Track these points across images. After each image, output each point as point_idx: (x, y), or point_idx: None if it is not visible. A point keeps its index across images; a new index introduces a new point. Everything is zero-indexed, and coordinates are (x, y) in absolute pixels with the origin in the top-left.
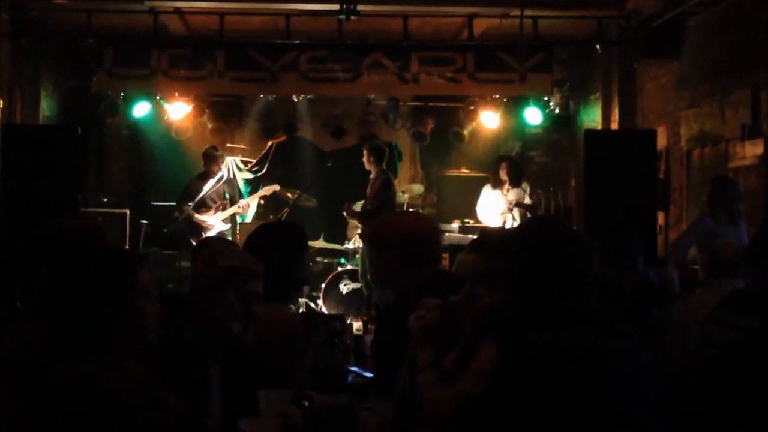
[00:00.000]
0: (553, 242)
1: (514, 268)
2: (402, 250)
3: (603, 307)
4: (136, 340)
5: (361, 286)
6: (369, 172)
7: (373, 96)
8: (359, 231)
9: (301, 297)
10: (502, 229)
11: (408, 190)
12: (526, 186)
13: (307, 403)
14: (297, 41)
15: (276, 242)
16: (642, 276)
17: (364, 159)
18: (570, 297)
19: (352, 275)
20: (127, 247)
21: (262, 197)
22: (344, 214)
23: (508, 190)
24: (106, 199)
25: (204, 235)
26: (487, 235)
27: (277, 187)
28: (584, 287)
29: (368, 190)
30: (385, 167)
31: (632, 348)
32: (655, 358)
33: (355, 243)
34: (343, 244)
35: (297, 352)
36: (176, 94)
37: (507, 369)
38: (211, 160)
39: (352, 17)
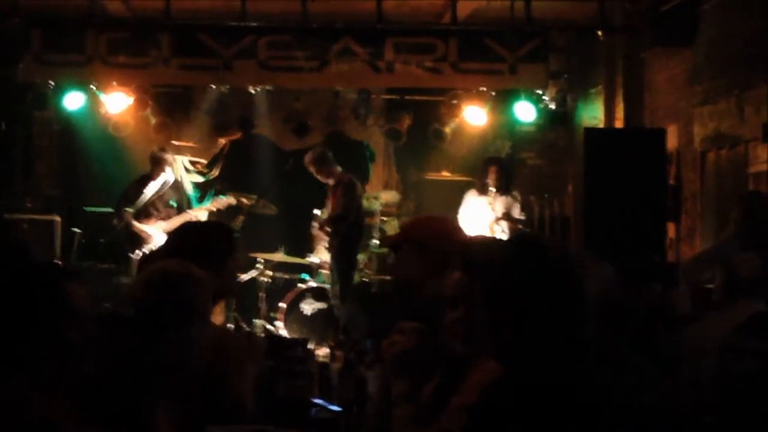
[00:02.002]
0: (538, 265)
1: (495, 293)
2: (443, 257)
3: (610, 335)
4: (65, 368)
5: (334, 305)
6: None
7: (341, 88)
8: (326, 244)
9: (230, 311)
10: (486, 241)
11: (381, 197)
12: (517, 194)
13: None
14: (254, 24)
15: (196, 245)
16: (655, 299)
17: (315, 174)
18: (562, 325)
19: (316, 293)
20: (57, 259)
21: (215, 208)
22: (315, 226)
23: (495, 198)
24: (32, 204)
25: (143, 248)
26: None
27: (232, 200)
28: (577, 314)
29: (329, 199)
30: (340, 170)
31: (639, 381)
32: (666, 392)
33: (320, 257)
34: (306, 257)
35: (229, 370)
36: (115, 84)
37: (492, 403)
38: (159, 163)
39: None
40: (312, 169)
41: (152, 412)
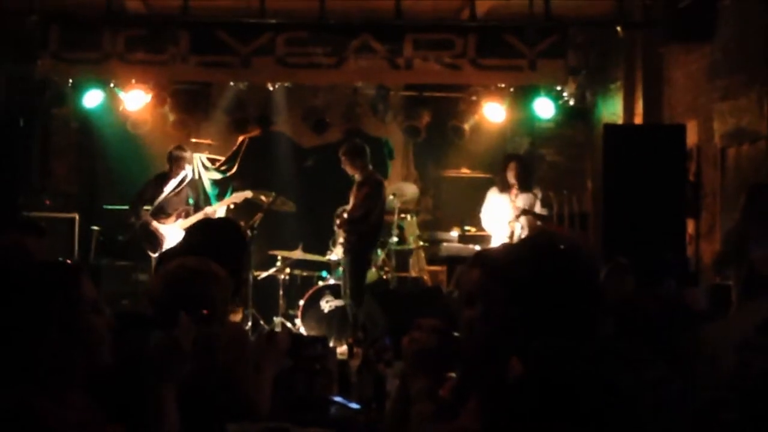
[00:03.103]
0: (553, 264)
1: (513, 292)
2: None
3: (625, 332)
4: (79, 364)
5: (346, 304)
6: None
7: (360, 84)
8: (341, 240)
9: (248, 308)
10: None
11: (399, 193)
12: (537, 191)
13: None
14: (272, 21)
15: (211, 243)
16: (669, 296)
17: (344, 165)
18: (578, 323)
19: (335, 291)
20: (75, 257)
21: (232, 204)
22: (336, 223)
23: (516, 195)
24: (50, 202)
25: (162, 246)
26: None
27: (249, 194)
28: (594, 312)
29: (353, 196)
30: (371, 168)
31: (655, 379)
32: (682, 391)
33: (339, 254)
34: (324, 254)
35: (247, 369)
36: (133, 81)
37: (512, 401)
38: (177, 161)
39: None
40: (343, 159)
41: (164, 408)
